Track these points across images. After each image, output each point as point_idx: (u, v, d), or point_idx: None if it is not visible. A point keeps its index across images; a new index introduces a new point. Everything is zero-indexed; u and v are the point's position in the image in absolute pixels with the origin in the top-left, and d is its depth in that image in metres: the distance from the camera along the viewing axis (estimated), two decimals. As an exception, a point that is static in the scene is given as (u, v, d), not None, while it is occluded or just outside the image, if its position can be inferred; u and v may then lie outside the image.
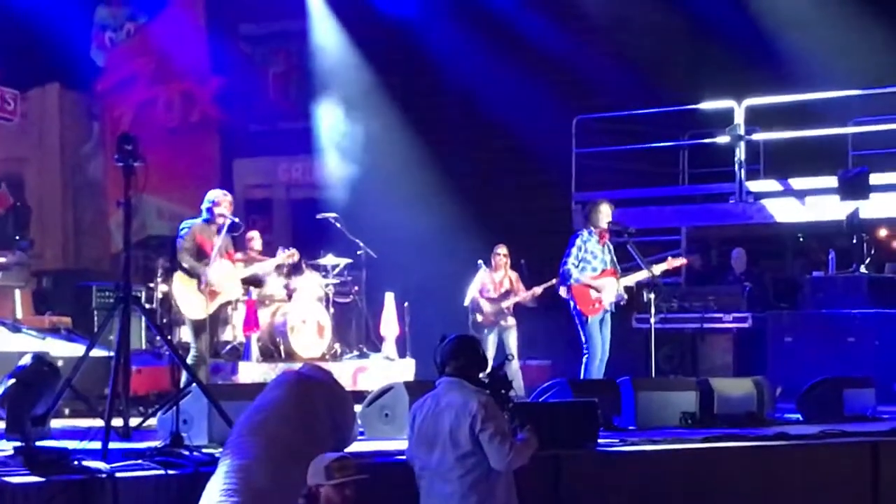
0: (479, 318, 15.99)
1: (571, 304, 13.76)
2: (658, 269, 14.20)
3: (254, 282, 14.77)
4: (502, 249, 16.22)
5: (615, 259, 13.98)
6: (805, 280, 16.70)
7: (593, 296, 13.68)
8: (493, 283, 16.12)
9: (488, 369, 7.84)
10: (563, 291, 13.83)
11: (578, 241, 13.80)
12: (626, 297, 14.00)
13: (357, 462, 7.05)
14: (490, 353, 15.22)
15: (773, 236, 18.99)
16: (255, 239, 15.81)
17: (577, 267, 13.71)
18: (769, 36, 19.08)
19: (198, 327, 12.52)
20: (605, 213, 13.91)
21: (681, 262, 15.50)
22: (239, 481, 7.50)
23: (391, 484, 7.85)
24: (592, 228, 13.86)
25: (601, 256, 13.82)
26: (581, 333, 13.70)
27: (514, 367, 14.97)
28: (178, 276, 12.52)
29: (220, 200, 12.71)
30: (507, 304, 16.01)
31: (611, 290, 13.73)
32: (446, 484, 7.42)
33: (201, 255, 12.56)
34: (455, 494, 7.39)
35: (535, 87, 19.82)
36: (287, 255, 14.90)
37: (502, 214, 20.12)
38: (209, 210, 12.65)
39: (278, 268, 15.38)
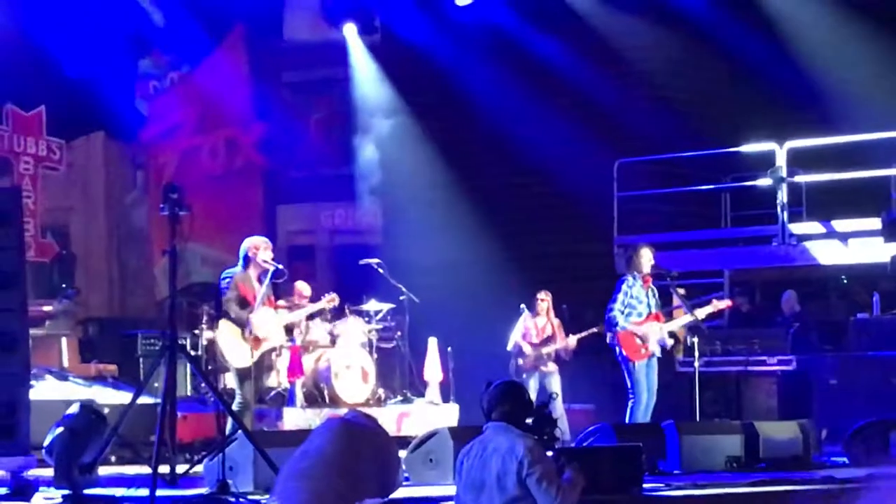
0: (521, 362, 15.98)
1: (618, 349, 13.75)
2: (702, 312, 14.18)
3: (293, 328, 14.85)
4: (542, 295, 16.22)
5: (659, 303, 13.98)
6: (849, 322, 16.60)
7: (639, 342, 13.67)
8: (535, 328, 16.11)
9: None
10: (608, 338, 13.83)
11: (624, 287, 13.80)
12: (671, 341, 13.99)
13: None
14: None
15: (816, 279, 18.89)
16: (302, 290, 15.85)
17: (622, 313, 13.70)
18: (811, 78, 19.05)
19: (243, 375, 12.55)
20: (647, 257, 13.91)
21: (725, 304, 15.46)
22: (285, 528, 7.52)
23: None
24: (636, 273, 13.85)
25: (646, 301, 13.82)
26: (627, 378, 13.68)
27: (559, 410, 14.96)
28: (224, 325, 12.56)
29: (258, 246, 12.72)
30: (548, 350, 15.98)
31: (656, 334, 13.72)
32: (495, 529, 7.42)
33: (244, 303, 12.59)
34: (504, 539, 7.39)
35: (577, 131, 19.84)
36: (328, 300, 14.96)
37: (544, 258, 20.11)
38: (245, 258, 12.66)
39: (320, 313, 15.43)
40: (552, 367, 15.97)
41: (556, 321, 16.18)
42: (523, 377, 15.72)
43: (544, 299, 16.17)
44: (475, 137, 21.46)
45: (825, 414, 14.84)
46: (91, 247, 21.48)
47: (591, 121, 20.02)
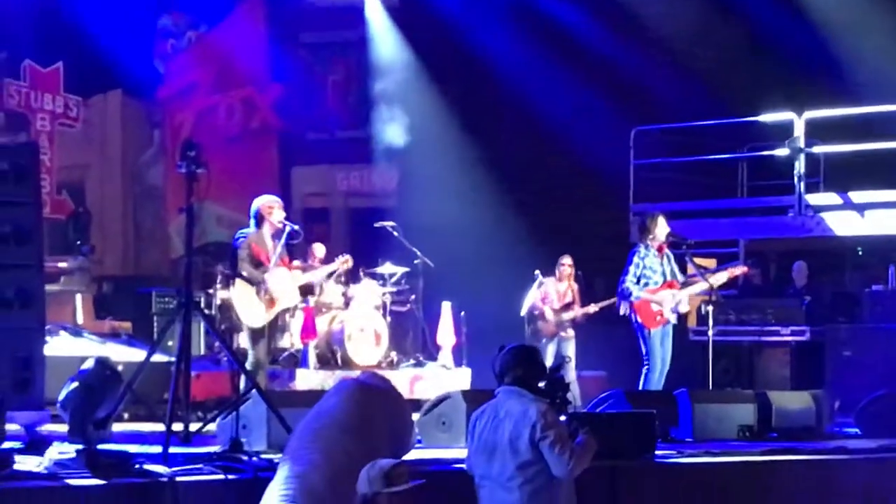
0: (541, 326, 15.96)
1: (633, 318, 13.71)
2: (717, 279, 14.15)
3: (309, 289, 14.85)
4: (567, 260, 16.19)
5: (675, 270, 13.95)
6: (864, 294, 16.58)
7: (654, 309, 13.64)
8: (557, 293, 16.10)
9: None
10: (623, 308, 13.77)
11: (636, 258, 13.74)
12: (686, 308, 13.98)
13: (413, 469, 7.06)
14: (548, 362, 15.20)
15: (831, 250, 18.86)
16: (317, 251, 15.90)
17: (636, 284, 13.66)
18: (830, 48, 18.98)
19: (256, 335, 12.58)
20: (661, 225, 13.87)
21: (741, 270, 15.44)
22: (297, 488, 7.54)
23: (448, 492, 7.87)
24: (649, 243, 13.81)
25: (660, 270, 13.77)
26: (643, 346, 13.64)
27: (571, 376, 14.98)
28: (239, 284, 12.58)
29: (271, 206, 12.71)
30: (569, 316, 15.98)
31: (670, 302, 13.70)
32: (508, 493, 7.43)
33: (257, 263, 12.60)
34: (516, 503, 7.40)
35: (594, 99, 19.82)
36: (342, 262, 14.95)
37: (559, 225, 20.10)
38: (257, 217, 12.66)
39: (334, 274, 15.43)
40: (570, 332, 15.99)
41: (575, 287, 16.18)
42: (542, 342, 15.73)
43: (567, 264, 16.16)
44: (492, 102, 21.43)
45: (838, 385, 14.84)
46: (106, 205, 21.49)
47: (608, 88, 19.99)
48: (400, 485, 6.65)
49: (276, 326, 14.30)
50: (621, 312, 13.87)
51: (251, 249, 12.56)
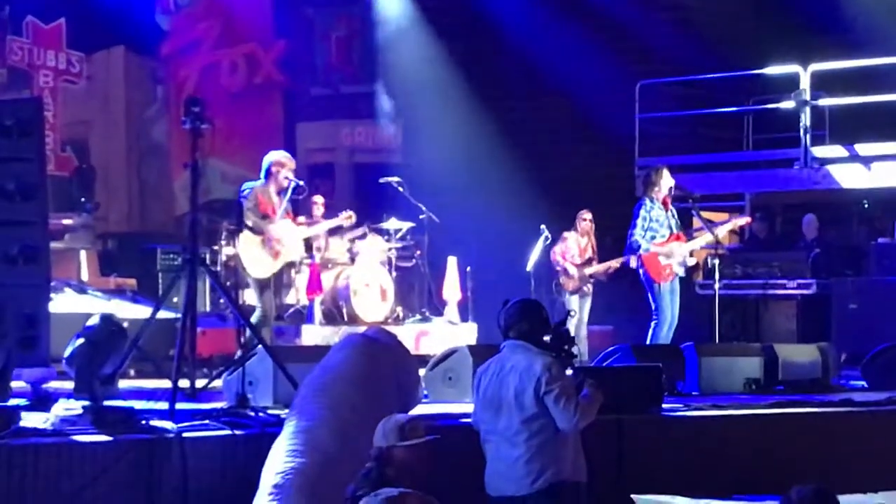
0: (563, 281, 15.93)
1: (641, 272, 13.67)
2: (722, 231, 14.13)
3: (312, 244, 14.88)
4: (587, 215, 16.18)
5: (679, 223, 13.93)
6: (870, 247, 16.56)
7: (663, 262, 13.61)
8: (578, 248, 16.06)
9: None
10: (633, 262, 13.75)
11: (643, 212, 13.69)
12: (692, 260, 13.98)
13: (428, 424, 7.07)
14: (576, 318, 15.20)
15: (838, 203, 18.83)
16: (318, 204, 15.90)
17: (643, 237, 13.62)
18: (836, 0, 18.89)
19: (262, 286, 12.61)
20: (666, 178, 13.83)
21: (745, 220, 15.44)
22: (305, 443, 7.55)
23: (456, 446, 7.86)
24: (654, 196, 13.77)
25: (666, 223, 13.75)
26: (652, 301, 13.60)
27: (582, 334, 15.02)
28: (245, 236, 12.57)
29: (282, 162, 12.76)
30: (590, 271, 15.96)
31: (679, 254, 13.68)
32: (513, 447, 7.44)
33: (263, 215, 12.62)
34: (522, 457, 7.41)
35: (599, 52, 19.74)
36: (346, 217, 14.94)
37: (564, 180, 20.07)
38: (268, 171, 12.71)
39: (339, 229, 15.43)
40: (590, 288, 16.00)
41: (594, 242, 16.16)
42: (566, 298, 15.73)
43: (587, 218, 16.14)
44: (498, 57, 21.35)
45: (844, 338, 14.86)
46: (110, 161, 21.42)
47: (613, 41, 19.92)
48: (415, 438, 6.65)
49: (281, 282, 14.33)
50: (632, 265, 13.84)
51: (257, 200, 12.59)
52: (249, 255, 12.59)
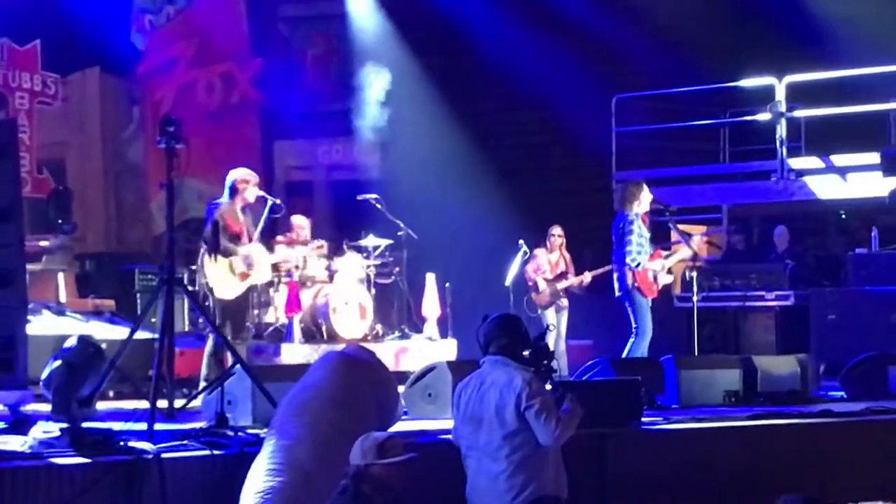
0: (535, 297, 16.00)
1: (630, 286, 13.53)
2: (697, 245, 14.16)
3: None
4: (557, 230, 16.26)
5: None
6: (848, 257, 16.60)
7: (650, 278, 13.60)
8: (549, 263, 16.12)
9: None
10: (629, 279, 13.49)
11: (633, 227, 13.55)
12: (670, 277, 13.99)
13: (406, 441, 7.06)
14: (555, 333, 15.22)
15: (814, 214, 18.87)
16: (305, 228, 15.83)
17: (639, 253, 13.51)
18: (810, 12, 18.95)
19: (226, 308, 12.54)
20: (646, 193, 13.80)
21: (716, 237, 15.43)
22: (284, 461, 7.54)
23: (435, 463, 7.86)
24: (637, 211, 13.69)
25: (647, 237, 13.74)
26: (632, 315, 13.50)
27: (560, 348, 15.02)
28: (209, 256, 12.51)
29: (246, 179, 12.69)
30: (562, 286, 16.02)
31: (661, 270, 13.70)
32: (495, 463, 7.43)
33: (231, 236, 12.55)
34: (504, 473, 7.40)
35: (575, 66, 19.76)
36: (316, 247, 14.87)
37: (542, 194, 20.10)
38: (233, 189, 12.63)
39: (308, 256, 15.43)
40: (565, 302, 16.05)
41: (567, 256, 16.21)
42: (539, 312, 15.78)
43: (557, 234, 16.20)
44: (474, 73, 21.37)
45: (823, 349, 14.89)
46: (87, 182, 21.41)
47: (589, 56, 19.93)
48: (394, 456, 6.64)
49: (257, 301, 14.32)
50: (629, 284, 13.58)
51: (226, 221, 12.52)
52: (216, 275, 12.52)
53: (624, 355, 13.27)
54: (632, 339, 13.49)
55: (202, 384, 11.66)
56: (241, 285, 12.65)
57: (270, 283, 14.29)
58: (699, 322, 14.33)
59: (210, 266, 12.53)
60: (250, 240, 12.77)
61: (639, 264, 13.44)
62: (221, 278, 12.50)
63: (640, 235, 13.56)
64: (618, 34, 20.05)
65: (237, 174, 12.75)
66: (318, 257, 15.40)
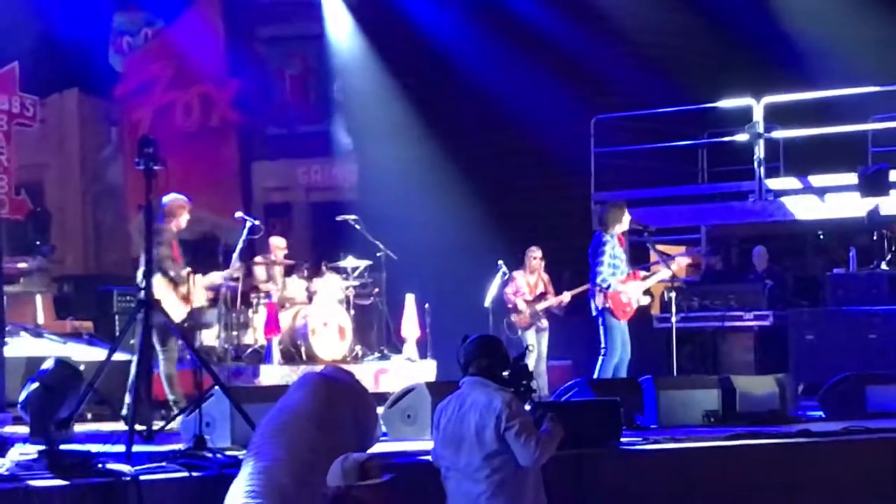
0: (515, 318, 15.98)
1: (600, 307, 13.54)
2: (672, 267, 14.19)
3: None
4: (536, 252, 16.21)
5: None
6: (826, 277, 16.65)
7: (624, 300, 13.58)
8: (528, 285, 16.09)
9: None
10: (599, 300, 13.55)
11: (607, 248, 13.54)
12: (647, 299, 13.99)
13: (385, 463, 7.04)
14: (535, 353, 15.22)
15: (793, 234, 18.95)
16: (281, 248, 15.81)
17: (612, 275, 13.52)
18: (788, 33, 19.05)
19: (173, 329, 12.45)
20: (626, 215, 13.80)
21: (686, 260, 15.46)
22: (263, 482, 7.50)
23: (415, 484, 7.84)
24: (614, 232, 13.69)
25: (623, 258, 13.76)
26: (604, 335, 13.51)
27: (541, 369, 15.01)
28: (157, 280, 12.28)
29: (184, 207, 12.57)
30: (542, 306, 16.00)
31: (637, 292, 13.68)
32: (475, 484, 7.40)
33: (174, 260, 12.45)
34: (484, 494, 7.37)
35: (554, 87, 19.82)
36: (236, 269, 14.55)
37: (521, 215, 20.11)
38: (166, 215, 12.47)
39: (294, 269, 15.41)
40: (545, 323, 16.03)
41: (546, 277, 16.20)
42: (519, 334, 15.77)
43: (536, 256, 16.16)
44: (452, 94, 21.41)
45: (802, 368, 14.93)
46: (66, 203, 21.36)
47: (568, 77, 20.00)
48: (373, 478, 6.62)
49: (237, 323, 14.28)
50: (599, 305, 13.60)
51: (171, 247, 12.41)
52: (165, 298, 12.39)
53: (595, 376, 13.24)
54: (600, 359, 13.48)
55: (173, 407, 11.63)
56: (185, 308, 12.54)
57: (249, 305, 14.26)
58: (678, 342, 14.34)
59: (159, 289, 12.34)
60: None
61: (609, 286, 13.43)
62: (169, 301, 12.24)
63: (612, 256, 13.55)
64: (597, 55, 20.11)
65: (172, 200, 12.57)
66: (305, 269, 15.34)
